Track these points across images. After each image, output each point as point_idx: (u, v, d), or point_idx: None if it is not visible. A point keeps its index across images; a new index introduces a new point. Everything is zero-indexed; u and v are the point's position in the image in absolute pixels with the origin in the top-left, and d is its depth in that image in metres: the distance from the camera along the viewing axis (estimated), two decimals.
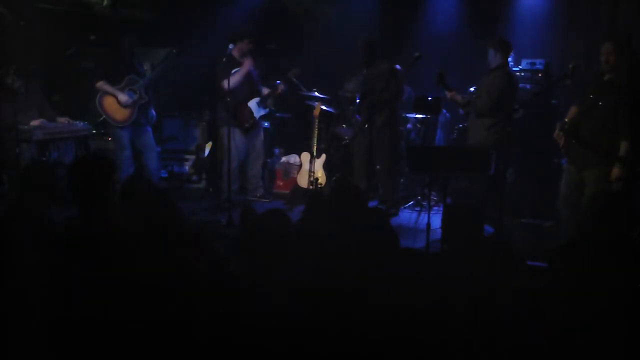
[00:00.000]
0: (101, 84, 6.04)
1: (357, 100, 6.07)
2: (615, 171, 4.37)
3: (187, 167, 7.48)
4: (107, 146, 6.67)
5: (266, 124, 6.93)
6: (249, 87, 6.40)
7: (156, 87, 6.16)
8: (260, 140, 6.69)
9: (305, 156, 6.74)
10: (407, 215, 6.34)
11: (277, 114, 7.45)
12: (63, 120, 6.25)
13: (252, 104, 6.44)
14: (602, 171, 4.44)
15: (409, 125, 6.94)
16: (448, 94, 5.65)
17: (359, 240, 2.86)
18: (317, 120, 6.54)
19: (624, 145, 4.36)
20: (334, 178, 6.78)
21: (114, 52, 6.18)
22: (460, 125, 6.61)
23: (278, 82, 6.59)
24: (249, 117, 6.40)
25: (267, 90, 6.54)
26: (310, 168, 6.54)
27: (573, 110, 4.73)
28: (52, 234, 2.77)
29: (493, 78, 5.45)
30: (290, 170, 7.11)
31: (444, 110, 7.00)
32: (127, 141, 6.17)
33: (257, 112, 6.46)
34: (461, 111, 6.29)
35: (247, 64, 6.25)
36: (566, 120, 4.69)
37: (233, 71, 6.22)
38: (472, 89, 5.91)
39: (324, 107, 6.60)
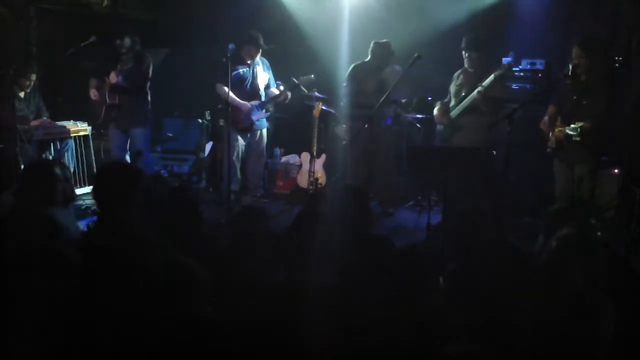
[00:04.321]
0: (91, 79, 6.10)
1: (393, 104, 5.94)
2: (586, 125, 4.66)
3: (187, 167, 7.47)
4: (107, 146, 6.67)
5: (267, 125, 6.92)
6: (248, 90, 6.39)
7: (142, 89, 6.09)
8: (262, 141, 6.68)
9: (305, 156, 6.73)
10: (407, 215, 6.34)
11: (277, 114, 7.45)
12: (63, 120, 6.25)
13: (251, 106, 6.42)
14: (592, 164, 4.88)
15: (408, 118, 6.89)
16: None
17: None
18: (317, 120, 6.54)
19: (586, 124, 4.66)
20: (334, 179, 6.77)
21: (108, 51, 6.16)
22: None
23: (279, 83, 6.58)
24: (245, 119, 6.37)
25: (273, 92, 6.53)
26: (310, 168, 6.54)
27: (552, 110, 5.04)
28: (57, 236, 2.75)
29: (499, 80, 5.44)
30: (290, 170, 7.11)
31: None
32: (112, 139, 6.21)
33: (255, 115, 6.43)
34: None
35: None
36: (546, 117, 5.04)
37: (237, 71, 6.21)
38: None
39: (324, 107, 6.59)
